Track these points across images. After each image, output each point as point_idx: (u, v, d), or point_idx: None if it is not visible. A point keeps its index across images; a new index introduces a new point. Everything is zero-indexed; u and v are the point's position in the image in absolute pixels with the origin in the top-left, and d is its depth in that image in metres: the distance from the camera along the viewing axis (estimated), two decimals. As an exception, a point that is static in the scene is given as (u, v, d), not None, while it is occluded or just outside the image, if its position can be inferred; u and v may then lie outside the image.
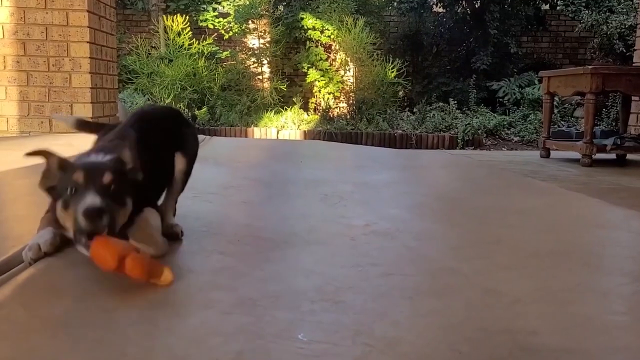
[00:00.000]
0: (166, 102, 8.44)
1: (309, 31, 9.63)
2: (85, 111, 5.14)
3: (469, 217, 2.26)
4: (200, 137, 4.84)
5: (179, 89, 8.61)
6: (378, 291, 1.37)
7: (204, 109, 8.77)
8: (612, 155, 4.67)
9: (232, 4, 10.98)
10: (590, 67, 4.38)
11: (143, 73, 8.80)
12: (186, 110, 8.55)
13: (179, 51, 8.94)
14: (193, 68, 8.85)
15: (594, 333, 1.20)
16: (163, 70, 8.71)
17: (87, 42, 5.06)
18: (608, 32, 8.52)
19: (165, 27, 9.24)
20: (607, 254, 1.86)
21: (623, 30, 8.61)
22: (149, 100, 8.54)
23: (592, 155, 4.32)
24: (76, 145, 4.07)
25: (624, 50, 8.63)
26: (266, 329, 1.15)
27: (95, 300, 1.25)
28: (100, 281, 1.37)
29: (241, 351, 1.04)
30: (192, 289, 1.35)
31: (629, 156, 4.83)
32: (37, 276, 1.37)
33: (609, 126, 7.19)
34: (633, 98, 5.16)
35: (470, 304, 1.30)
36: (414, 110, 9.27)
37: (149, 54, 9.03)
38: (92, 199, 1.24)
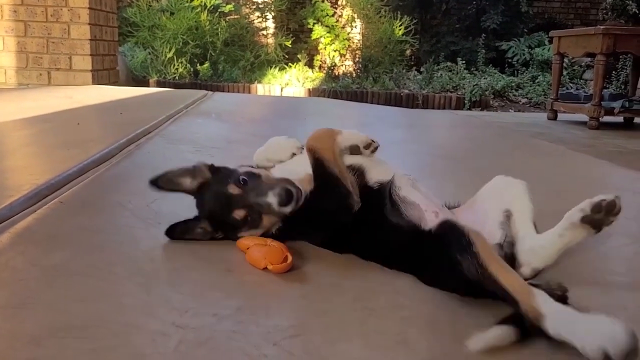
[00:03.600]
0: (167, 56, 8.29)
1: (315, -16, 9.38)
2: (84, 64, 5.05)
3: (476, 177, 2.21)
4: (203, 92, 4.78)
5: (181, 43, 8.43)
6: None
7: (207, 64, 8.61)
8: (620, 118, 4.61)
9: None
10: (601, 27, 4.27)
11: (144, 26, 8.61)
12: (188, 65, 8.41)
13: (181, 4, 8.72)
14: (195, 22, 8.64)
15: (593, 292, 1.19)
16: (165, 23, 8.52)
17: (87, -9, 4.93)
18: (622, -8, 8.30)
19: (167, -22, 9.00)
20: (612, 216, 1.83)
21: (637, -10, 8.37)
22: (150, 54, 8.39)
23: (600, 118, 4.26)
24: (76, 98, 4.01)
25: (637, 12, 8.40)
26: (267, 287, 1.13)
27: (96, 252, 1.24)
28: (102, 233, 1.35)
29: (241, 307, 1.03)
30: (195, 245, 1.33)
31: (637, 119, 4.77)
32: (36, 225, 1.35)
33: (618, 89, 7.07)
34: (644, 60, 5.05)
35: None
36: (421, 69, 9.10)
37: (150, 6, 8.80)
38: None
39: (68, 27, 4.98)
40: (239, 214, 1.24)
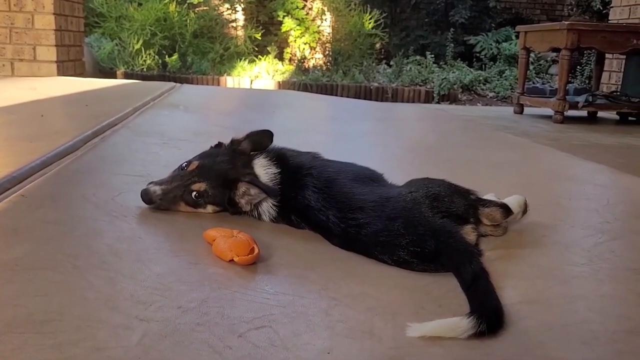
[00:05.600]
0: (135, 48, 8.14)
1: (285, -23, 9.32)
2: (49, 55, 4.92)
3: (442, 169, 2.25)
4: (171, 84, 4.72)
5: (149, 35, 8.29)
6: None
7: (175, 56, 8.49)
8: (584, 113, 4.71)
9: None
10: (566, 22, 4.35)
11: (111, 17, 8.44)
12: (156, 57, 8.28)
13: (149, -6, 8.57)
14: (164, 13, 8.50)
15: (554, 283, 1.22)
16: (132, 14, 8.36)
17: (50, -20, 4.80)
18: (586, -11, 8.48)
19: (134, -32, 8.81)
20: (573, 206, 1.89)
21: (601, -14, 8.57)
22: (117, 45, 8.22)
23: (564, 112, 4.35)
24: (40, 89, 3.91)
25: (601, 8, 8.61)
26: (233, 279, 1.13)
27: (58, 245, 1.22)
28: (64, 226, 1.33)
29: (206, 299, 1.03)
30: (159, 237, 1.32)
31: (600, 114, 4.89)
32: (-5, 220, 1.32)
33: (583, 84, 7.24)
34: (607, 55, 5.17)
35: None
36: (391, 63, 9.16)
37: (118, -4, 8.64)
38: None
39: (32, 17, 4.85)
40: None
